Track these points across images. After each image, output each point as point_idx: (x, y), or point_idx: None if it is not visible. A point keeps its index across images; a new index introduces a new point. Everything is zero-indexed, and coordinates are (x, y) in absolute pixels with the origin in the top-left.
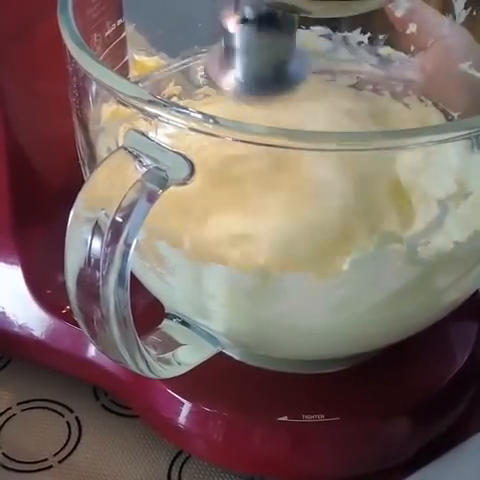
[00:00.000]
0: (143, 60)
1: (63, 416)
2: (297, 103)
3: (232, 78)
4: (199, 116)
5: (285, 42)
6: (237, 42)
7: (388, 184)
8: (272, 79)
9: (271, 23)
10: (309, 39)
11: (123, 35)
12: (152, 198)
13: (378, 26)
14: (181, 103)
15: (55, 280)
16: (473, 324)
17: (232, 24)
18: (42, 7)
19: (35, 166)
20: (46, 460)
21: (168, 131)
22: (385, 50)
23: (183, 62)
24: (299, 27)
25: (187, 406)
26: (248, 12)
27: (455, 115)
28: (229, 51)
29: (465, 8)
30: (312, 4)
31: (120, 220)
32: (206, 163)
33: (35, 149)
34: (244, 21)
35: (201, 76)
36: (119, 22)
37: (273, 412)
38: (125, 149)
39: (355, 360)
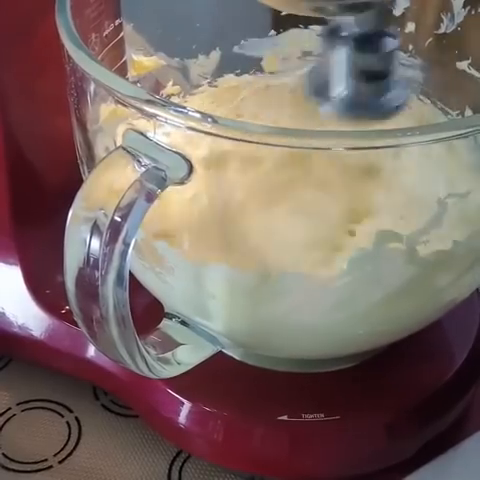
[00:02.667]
0: (141, 60)
1: (63, 416)
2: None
3: (334, 95)
4: (197, 115)
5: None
6: (340, 60)
7: (387, 183)
8: (367, 101)
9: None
10: (308, 38)
11: (121, 35)
12: (151, 198)
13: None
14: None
15: (54, 280)
16: (472, 323)
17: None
18: (42, 7)
19: (35, 166)
20: (46, 460)
21: (167, 130)
22: None
23: (182, 62)
24: (298, 26)
25: (187, 406)
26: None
27: (454, 114)
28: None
29: (464, 7)
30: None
31: (119, 220)
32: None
33: (35, 149)
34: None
35: (199, 77)
36: (117, 22)
37: (273, 411)
38: (123, 149)
39: (355, 359)
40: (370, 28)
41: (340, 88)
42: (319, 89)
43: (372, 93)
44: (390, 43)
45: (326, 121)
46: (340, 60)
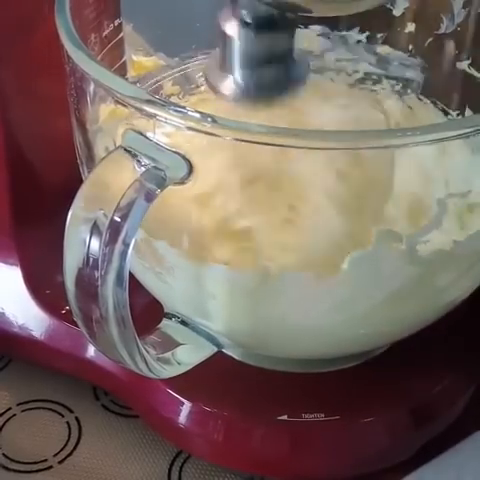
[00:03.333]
0: (141, 60)
1: (63, 416)
2: (297, 104)
3: (231, 82)
4: (197, 115)
5: (284, 44)
6: (236, 45)
7: (387, 183)
8: (272, 82)
9: (270, 25)
10: (307, 38)
11: (121, 35)
12: (150, 198)
13: (376, 25)
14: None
15: (54, 280)
16: (473, 323)
17: (230, 27)
18: (41, 7)
19: (35, 166)
20: (46, 460)
21: (166, 130)
22: (383, 49)
23: (181, 62)
24: (298, 26)
25: (187, 406)
26: (246, 15)
27: (454, 114)
28: (228, 54)
29: (464, 7)
30: (312, 3)
31: (118, 220)
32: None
33: (35, 149)
34: (243, 24)
35: (199, 77)
36: (117, 22)
37: (273, 411)
38: (123, 149)
39: (355, 359)
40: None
41: (243, 73)
42: (220, 76)
43: (275, 74)
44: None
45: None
46: (240, 45)
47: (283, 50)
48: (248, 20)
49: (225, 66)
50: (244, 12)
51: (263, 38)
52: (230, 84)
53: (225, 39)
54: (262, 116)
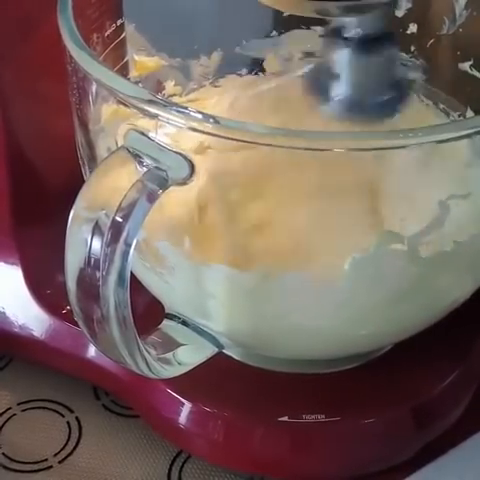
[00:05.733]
0: (143, 60)
1: (63, 416)
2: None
3: (336, 96)
4: (199, 116)
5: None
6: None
7: (389, 184)
8: (369, 104)
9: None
10: (310, 39)
11: (123, 35)
12: (152, 198)
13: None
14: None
15: (55, 280)
16: (474, 324)
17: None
18: (43, 7)
19: (35, 166)
20: (46, 460)
21: (168, 130)
22: None
23: (183, 62)
24: (300, 27)
25: (187, 406)
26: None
27: (455, 115)
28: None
29: (466, 8)
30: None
31: (120, 220)
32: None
33: (36, 149)
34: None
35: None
36: (119, 22)
37: (273, 412)
38: (125, 149)
39: (356, 360)
40: (372, 30)
41: (341, 89)
42: (319, 89)
43: (372, 94)
44: (391, 46)
45: (324, 122)
46: (341, 61)
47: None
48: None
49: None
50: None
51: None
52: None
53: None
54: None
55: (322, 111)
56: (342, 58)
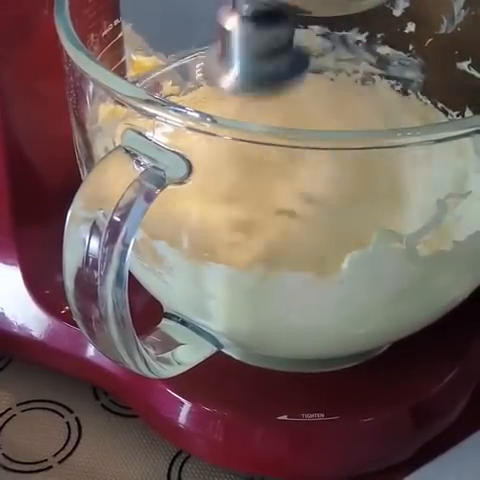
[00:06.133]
0: (140, 60)
1: (63, 416)
2: (294, 103)
3: (230, 76)
4: (196, 115)
5: (283, 39)
6: (235, 40)
7: (388, 183)
8: (270, 77)
9: (270, 20)
10: (307, 38)
11: (120, 35)
12: (150, 197)
13: (376, 25)
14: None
15: (54, 280)
16: (473, 323)
17: (230, 22)
18: (41, 7)
19: (34, 166)
20: (46, 460)
21: (166, 130)
22: (383, 49)
23: (181, 62)
24: (297, 26)
25: (187, 406)
26: (246, 9)
27: (454, 114)
28: (227, 49)
29: (464, 8)
30: (311, 3)
31: (118, 220)
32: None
33: (35, 149)
34: (242, 18)
35: (198, 74)
36: (116, 22)
37: (273, 411)
38: (123, 149)
39: (355, 359)
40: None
41: (241, 66)
42: (219, 71)
43: (273, 69)
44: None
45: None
46: (239, 39)
47: (282, 45)
48: (248, 14)
49: (224, 60)
50: (244, 6)
51: (263, 32)
52: (229, 78)
53: (225, 33)
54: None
55: (226, 91)
56: (239, 35)
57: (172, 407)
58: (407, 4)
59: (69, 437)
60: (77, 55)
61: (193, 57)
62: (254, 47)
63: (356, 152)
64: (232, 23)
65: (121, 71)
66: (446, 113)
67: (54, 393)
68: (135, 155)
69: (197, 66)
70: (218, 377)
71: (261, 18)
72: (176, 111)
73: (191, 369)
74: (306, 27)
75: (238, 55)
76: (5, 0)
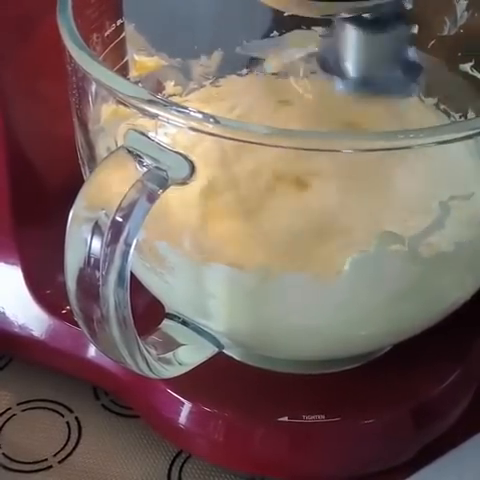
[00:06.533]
0: (143, 60)
1: (63, 416)
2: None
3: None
4: (199, 116)
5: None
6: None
7: (389, 185)
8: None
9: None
10: (311, 39)
11: (123, 35)
12: (152, 198)
13: None
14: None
15: (55, 280)
16: (474, 325)
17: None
18: (43, 7)
19: (35, 166)
20: (46, 460)
21: (168, 130)
22: None
23: (183, 62)
24: (300, 27)
25: (187, 406)
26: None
27: (456, 116)
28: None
29: (467, 10)
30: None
31: (120, 220)
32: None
33: (36, 149)
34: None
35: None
36: (119, 22)
37: (273, 412)
38: (125, 149)
39: (356, 361)
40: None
41: (354, 67)
42: (332, 68)
43: (385, 73)
44: (399, 25)
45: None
46: (352, 40)
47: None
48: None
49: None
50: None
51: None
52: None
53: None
54: None
55: (337, 88)
56: (352, 37)
57: (173, 407)
58: (410, 6)
59: (69, 437)
60: (80, 55)
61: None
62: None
63: (358, 154)
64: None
65: (123, 71)
66: (449, 115)
67: (54, 393)
68: (137, 155)
69: (200, 67)
70: (219, 378)
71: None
72: (178, 111)
73: (192, 369)
74: (309, 28)
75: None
76: (5, 0)
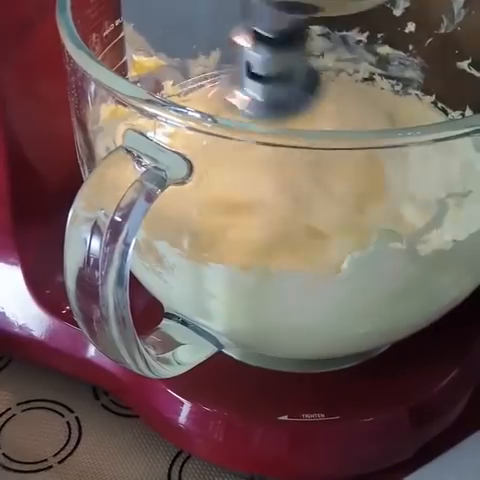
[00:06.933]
0: (142, 60)
1: (63, 416)
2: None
3: (247, 98)
4: (197, 115)
5: (300, 60)
6: (254, 62)
7: (387, 183)
8: (289, 98)
9: (287, 41)
10: (307, 38)
11: (122, 35)
12: (151, 198)
13: (376, 25)
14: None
15: (55, 280)
16: (473, 323)
17: (245, 42)
18: (43, 7)
19: (35, 166)
20: (46, 460)
21: (167, 130)
22: (384, 49)
23: (182, 62)
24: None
25: (187, 406)
26: (265, 30)
27: (454, 114)
28: (243, 71)
29: (464, 7)
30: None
31: (119, 220)
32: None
33: (35, 149)
34: (261, 40)
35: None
36: (117, 22)
37: (273, 411)
38: (124, 149)
39: (355, 359)
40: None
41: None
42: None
43: (281, 94)
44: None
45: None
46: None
47: (300, 66)
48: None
49: (240, 82)
50: (263, 27)
51: (282, 53)
52: (246, 99)
53: (241, 54)
54: None
55: (241, 115)
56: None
57: (172, 407)
58: (407, 4)
59: (69, 437)
60: (79, 55)
61: (195, 58)
62: (275, 69)
63: (355, 152)
64: (249, 44)
65: (122, 71)
66: (446, 113)
67: (54, 393)
68: (136, 155)
69: (198, 68)
70: (218, 377)
71: (281, 39)
72: (177, 111)
73: (192, 369)
74: (306, 27)
75: (257, 77)
76: (5, 0)
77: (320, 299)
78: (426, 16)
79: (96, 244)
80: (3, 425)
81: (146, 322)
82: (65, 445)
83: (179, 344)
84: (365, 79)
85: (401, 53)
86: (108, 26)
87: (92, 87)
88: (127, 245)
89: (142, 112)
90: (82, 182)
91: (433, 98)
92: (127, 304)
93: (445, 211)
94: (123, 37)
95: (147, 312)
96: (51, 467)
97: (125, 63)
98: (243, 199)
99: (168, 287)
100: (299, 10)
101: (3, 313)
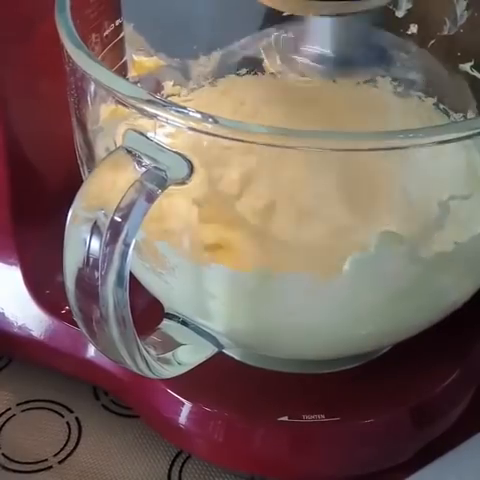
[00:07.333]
0: (142, 60)
1: (63, 416)
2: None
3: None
4: (198, 115)
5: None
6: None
7: (389, 184)
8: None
9: None
10: None
11: (121, 35)
12: (151, 198)
13: (379, 26)
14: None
15: (55, 280)
16: (474, 325)
17: None
18: (43, 7)
19: (35, 166)
20: (46, 460)
21: (167, 131)
22: None
23: (182, 62)
24: None
25: (187, 406)
26: None
27: (456, 116)
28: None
29: (467, 9)
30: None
31: (119, 220)
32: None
33: (35, 149)
34: None
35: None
36: (117, 22)
37: (273, 412)
38: (124, 149)
39: (356, 360)
40: None
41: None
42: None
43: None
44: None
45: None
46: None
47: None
48: None
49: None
50: None
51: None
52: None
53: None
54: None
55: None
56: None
57: (173, 407)
58: (410, 5)
59: (69, 437)
60: (78, 55)
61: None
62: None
63: (358, 153)
64: None
65: (122, 71)
66: (448, 115)
67: (54, 393)
68: (136, 155)
69: (200, 67)
70: (219, 377)
71: None
72: (177, 111)
73: (192, 369)
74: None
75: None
76: (5, 0)
77: (321, 300)
78: (428, 18)
79: (96, 244)
80: (3, 425)
81: (146, 322)
82: (65, 445)
83: (179, 344)
84: (366, 80)
85: (403, 54)
86: (108, 26)
87: (92, 87)
88: (127, 245)
89: (142, 112)
90: (82, 182)
91: (435, 100)
92: (127, 304)
93: (447, 213)
94: (123, 37)
95: (147, 312)
96: (51, 467)
97: (125, 63)
98: None
99: (168, 287)
100: None
101: (3, 313)
